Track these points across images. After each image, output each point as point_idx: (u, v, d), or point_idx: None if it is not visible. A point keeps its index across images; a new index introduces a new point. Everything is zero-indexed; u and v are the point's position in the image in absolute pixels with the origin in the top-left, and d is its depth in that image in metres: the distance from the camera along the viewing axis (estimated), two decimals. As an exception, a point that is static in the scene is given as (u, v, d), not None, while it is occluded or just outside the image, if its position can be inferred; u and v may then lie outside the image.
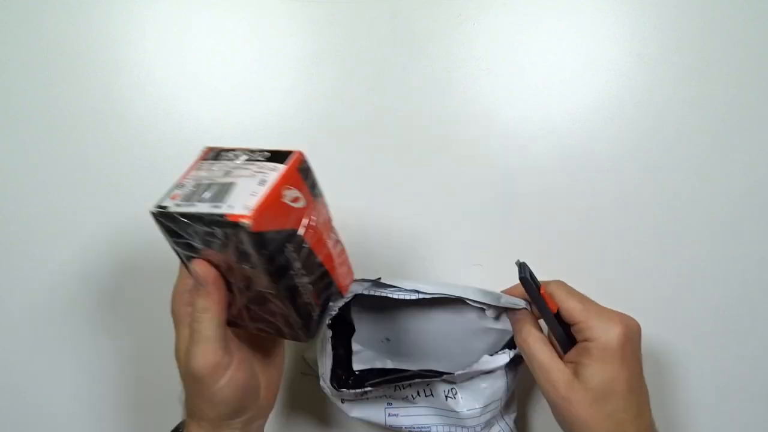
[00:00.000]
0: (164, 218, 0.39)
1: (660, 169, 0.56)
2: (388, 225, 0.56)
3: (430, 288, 0.47)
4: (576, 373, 0.43)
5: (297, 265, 0.40)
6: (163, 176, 0.56)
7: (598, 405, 0.42)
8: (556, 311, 0.44)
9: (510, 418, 0.52)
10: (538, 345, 0.45)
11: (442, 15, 0.56)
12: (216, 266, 0.40)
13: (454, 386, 0.49)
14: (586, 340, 0.43)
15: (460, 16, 0.56)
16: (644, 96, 0.56)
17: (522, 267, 0.44)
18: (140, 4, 0.56)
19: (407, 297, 0.47)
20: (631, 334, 0.43)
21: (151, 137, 0.56)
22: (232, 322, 0.44)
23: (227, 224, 0.36)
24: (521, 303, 0.47)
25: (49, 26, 0.56)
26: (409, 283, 0.47)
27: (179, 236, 0.39)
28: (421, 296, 0.47)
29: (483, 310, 0.47)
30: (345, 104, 0.56)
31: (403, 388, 0.50)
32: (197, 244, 0.39)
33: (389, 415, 0.51)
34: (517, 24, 0.56)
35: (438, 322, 0.50)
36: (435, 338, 0.51)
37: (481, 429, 0.50)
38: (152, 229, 0.56)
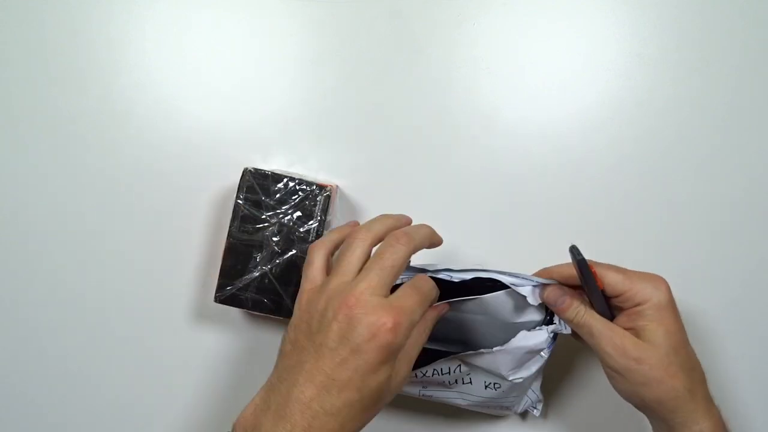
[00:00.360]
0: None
1: (660, 169, 0.56)
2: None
3: (462, 270, 0.47)
4: (637, 336, 0.44)
5: None
6: (163, 176, 0.57)
7: (669, 360, 0.43)
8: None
9: (536, 385, 0.52)
10: (594, 316, 0.45)
11: (442, 15, 0.56)
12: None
13: (497, 380, 0.50)
14: (637, 305, 0.44)
15: (460, 16, 0.56)
16: (644, 96, 0.56)
17: (577, 250, 0.44)
18: (140, 4, 0.56)
19: (439, 276, 0.47)
20: (670, 289, 0.45)
21: (151, 137, 0.56)
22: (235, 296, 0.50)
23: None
24: (553, 281, 0.47)
25: (49, 26, 0.56)
26: (440, 267, 0.47)
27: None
28: (453, 277, 0.47)
29: (522, 296, 0.47)
30: (345, 104, 0.56)
31: (442, 374, 0.50)
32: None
33: (423, 395, 0.52)
34: (517, 24, 0.56)
35: (473, 310, 0.50)
36: (472, 327, 0.50)
37: (514, 399, 0.51)
38: (152, 229, 0.57)
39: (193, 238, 0.56)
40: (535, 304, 0.47)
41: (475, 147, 0.56)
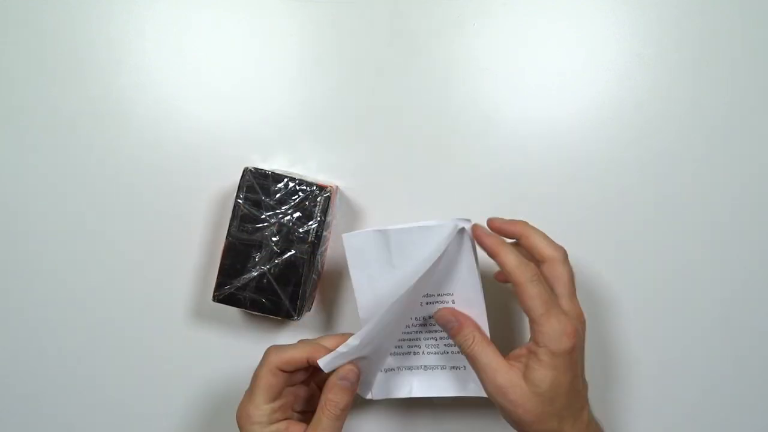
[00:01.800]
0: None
1: (660, 169, 0.56)
2: (387, 225, 0.56)
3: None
4: (524, 375, 0.43)
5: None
6: (163, 176, 0.57)
7: (545, 409, 0.43)
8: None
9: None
10: (483, 348, 0.45)
11: (442, 15, 0.56)
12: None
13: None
14: (537, 343, 0.43)
15: (460, 17, 0.56)
16: (644, 96, 0.56)
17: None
18: (140, 4, 0.56)
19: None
20: (580, 341, 0.45)
21: (151, 137, 0.56)
22: (233, 296, 0.50)
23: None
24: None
25: (49, 26, 0.56)
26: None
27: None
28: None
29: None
30: (345, 104, 0.56)
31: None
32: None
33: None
34: (517, 24, 0.56)
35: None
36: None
37: None
38: (151, 229, 0.57)
39: (192, 237, 0.56)
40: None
41: (475, 147, 0.56)
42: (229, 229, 0.51)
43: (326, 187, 0.51)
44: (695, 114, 0.56)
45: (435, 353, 0.50)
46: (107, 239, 0.56)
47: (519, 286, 0.44)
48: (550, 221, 0.56)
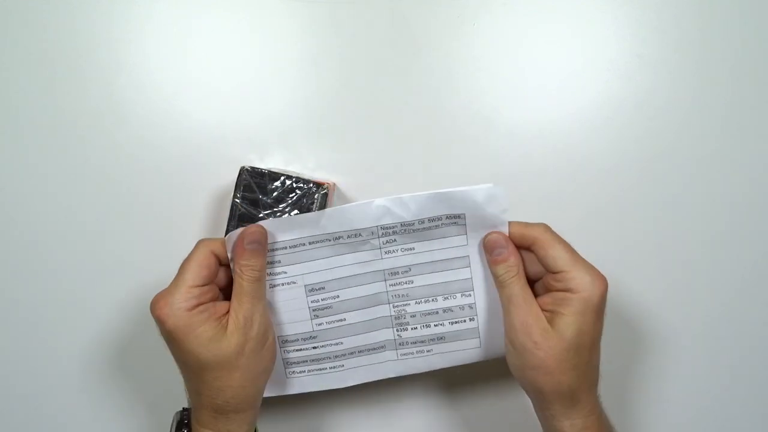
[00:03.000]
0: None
1: (660, 169, 0.56)
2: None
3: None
4: (551, 321, 0.43)
5: None
6: (163, 176, 0.57)
7: (567, 356, 0.42)
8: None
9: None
10: (520, 284, 0.44)
11: (442, 15, 0.56)
12: None
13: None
14: (567, 290, 0.43)
15: (460, 16, 0.56)
16: (644, 96, 0.56)
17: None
18: (140, 4, 0.56)
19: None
20: (607, 292, 0.44)
21: (151, 137, 0.56)
22: None
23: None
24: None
25: (50, 26, 0.56)
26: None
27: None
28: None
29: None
30: (345, 104, 0.56)
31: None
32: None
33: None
34: (517, 24, 0.56)
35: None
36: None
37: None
38: (149, 228, 0.57)
39: (190, 237, 0.56)
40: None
41: (474, 147, 0.56)
42: (227, 229, 0.50)
43: (323, 184, 0.51)
44: (695, 114, 0.55)
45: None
46: (106, 238, 0.56)
47: (542, 238, 0.44)
48: (550, 222, 0.56)
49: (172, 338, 0.43)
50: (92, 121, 0.56)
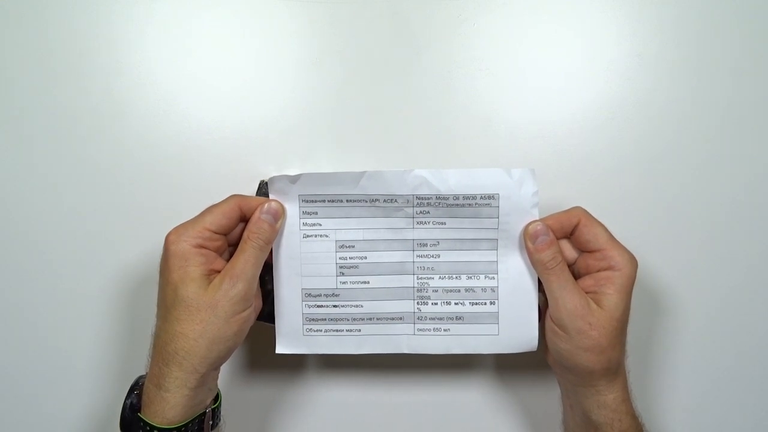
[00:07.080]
0: None
1: (660, 170, 0.56)
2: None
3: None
4: (597, 302, 0.44)
5: None
6: (163, 176, 0.57)
7: (617, 332, 0.43)
8: None
9: None
10: (566, 269, 0.45)
11: (442, 15, 0.56)
12: None
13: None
14: (609, 268, 0.44)
15: (460, 16, 0.56)
16: (644, 96, 0.56)
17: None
18: (140, 4, 0.56)
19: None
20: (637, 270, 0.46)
21: (151, 137, 0.56)
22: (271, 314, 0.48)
23: None
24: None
25: (50, 26, 0.56)
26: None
27: None
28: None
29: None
30: (345, 104, 0.56)
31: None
32: None
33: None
34: (517, 24, 0.56)
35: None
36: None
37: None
38: (151, 229, 0.57)
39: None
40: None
41: (474, 147, 0.56)
42: None
43: None
44: (695, 114, 0.56)
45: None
46: (106, 239, 0.57)
47: (585, 217, 0.45)
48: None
49: (166, 265, 0.44)
50: (92, 121, 0.56)
